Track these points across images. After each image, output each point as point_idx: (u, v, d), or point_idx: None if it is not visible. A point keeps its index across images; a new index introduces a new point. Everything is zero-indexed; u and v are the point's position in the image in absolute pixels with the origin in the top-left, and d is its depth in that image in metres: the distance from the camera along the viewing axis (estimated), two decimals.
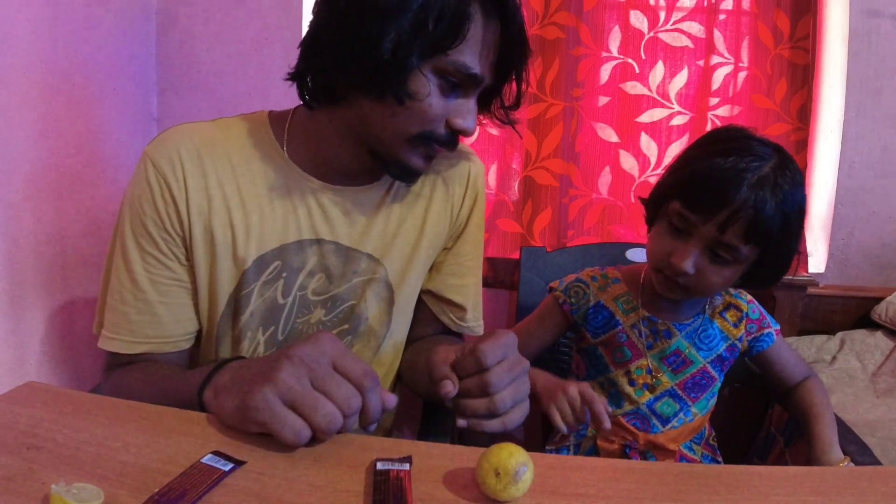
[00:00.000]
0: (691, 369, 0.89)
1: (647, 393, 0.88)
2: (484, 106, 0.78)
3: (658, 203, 0.84)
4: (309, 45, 0.72)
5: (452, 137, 0.74)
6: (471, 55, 0.68)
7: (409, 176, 0.79)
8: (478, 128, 1.57)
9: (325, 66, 0.71)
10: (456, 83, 0.70)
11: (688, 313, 0.90)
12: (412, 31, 0.65)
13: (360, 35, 0.66)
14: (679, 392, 0.89)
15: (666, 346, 0.88)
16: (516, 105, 0.79)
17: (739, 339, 0.91)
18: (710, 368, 0.89)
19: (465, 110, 0.72)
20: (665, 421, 0.89)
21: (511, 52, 0.71)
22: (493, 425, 0.61)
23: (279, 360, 0.57)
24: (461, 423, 0.61)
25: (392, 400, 0.60)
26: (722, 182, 0.75)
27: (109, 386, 0.78)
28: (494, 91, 0.76)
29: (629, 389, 0.89)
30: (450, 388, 0.60)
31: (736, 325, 0.91)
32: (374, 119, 0.72)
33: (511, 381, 0.60)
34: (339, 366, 0.58)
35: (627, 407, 0.89)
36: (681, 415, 0.89)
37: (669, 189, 0.82)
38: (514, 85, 0.76)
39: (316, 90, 0.74)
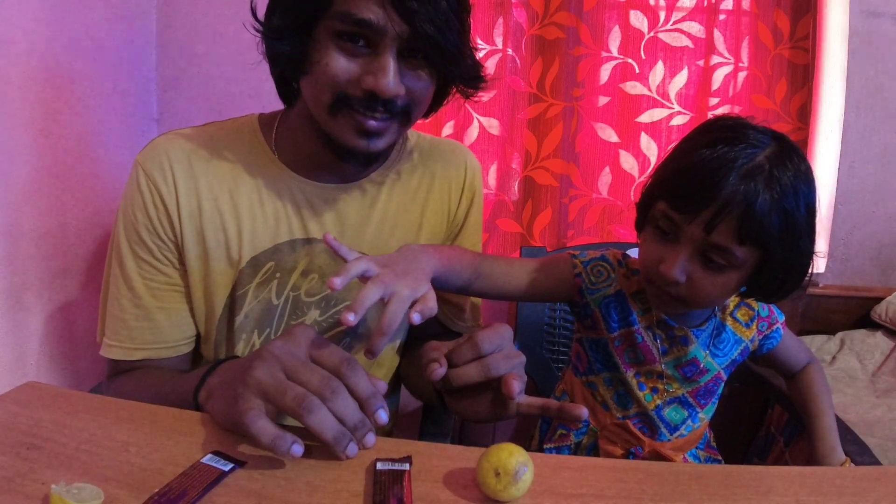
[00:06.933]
0: (706, 378, 0.84)
1: (656, 399, 0.84)
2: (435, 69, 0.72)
3: (646, 206, 0.76)
4: None
5: (372, 101, 0.68)
6: (355, 2, 0.64)
7: (351, 156, 0.73)
8: (478, 126, 1.59)
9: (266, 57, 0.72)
10: (358, 40, 0.66)
11: (700, 316, 0.83)
12: None
13: (265, 18, 0.70)
14: (689, 399, 0.85)
15: (682, 353, 0.82)
16: (453, 62, 0.71)
17: (751, 340, 0.86)
18: (722, 374, 0.86)
19: (375, 67, 0.66)
20: (673, 429, 0.85)
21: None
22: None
23: (253, 360, 0.57)
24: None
25: (383, 385, 0.59)
26: (706, 174, 0.66)
27: (110, 393, 0.78)
28: (433, 48, 0.67)
29: (639, 393, 0.83)
30: (437, 369, 0.60)
31: (748, 325, 0.86)
32: (306, 97, 0.72)
33: (509, 371, 0.60)
34: (314, 356, 0.58)
35: (635, 410, 0.84)
36: (689, 421, 0.86)
37: (655, 189, 0.74)
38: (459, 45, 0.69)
39: (277, 85, 0.75)
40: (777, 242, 0.67)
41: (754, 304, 0.87)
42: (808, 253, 0.70)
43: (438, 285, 0.71)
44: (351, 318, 0.55)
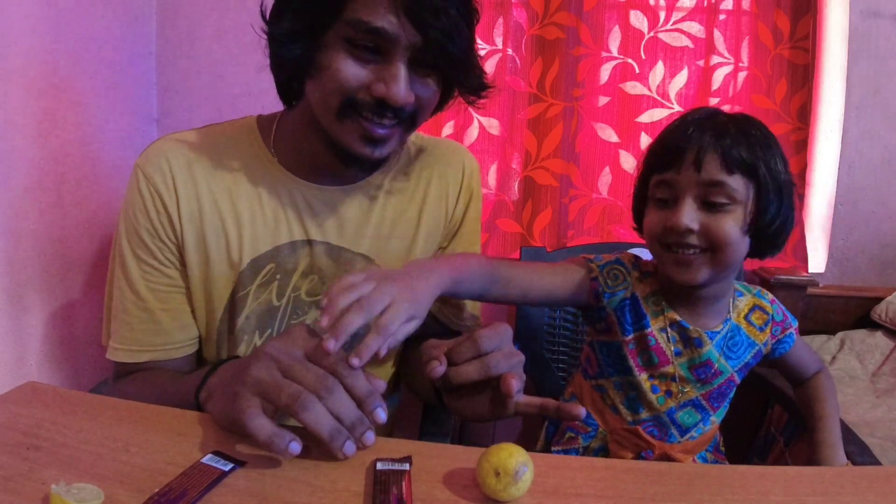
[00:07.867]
0: (720, 380, 0.84)
1: (669, 401, 0.83)
2: (444, 77, 0.72)
3: (641, 196, 0.83)
4: None
5: (381, 107, 0.68)
6: (369, 10, 0.64)
7: (356, 163, 0.73)
8: (478, 127, 1.58)
9: (270, 59, 0.72)
10: (369, 47, 0.66)
11: (715, 318, 0.84)
12: (302, 2, 0.67)
13: (272, 21, 0.69)
14: (703, 402, 0.85)
15: (696, 355, 0.83)
16: (462, 71, 0.72)
17: (765, 344, 0.87)
18: (736, 377, 0.86)
19: (386, 75, 0.67)
20: (684, 431, 0.85)
21: (426, 6, 0.64)
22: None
23: (250, 359, 0.57)
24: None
25: (381, 384, 0.59)
26: (679, 131, 0.77)
27: (114, 396, 0.78)
28: (444, 57, 0.68)
29: (651, 396, 0.83)
30: (437, 367, 0.60)
31: (762, 329, 0.87)
32: (312, 101, 0.72)
33: (508, 370, 0.60)
34: (311, 355, 0.58)
35: (646, 414, 0.84)
36: (700, 424, 0.85)
37: (643, 173, 0.82)
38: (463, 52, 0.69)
39: (279, 87, 0.75)
40: (762, 164, 0.75)
41: (768, 308, 0.88)
42: (791, 182, 0.78)
43: (452, 295, 0.70)
44: (331, 346, 0.55)
